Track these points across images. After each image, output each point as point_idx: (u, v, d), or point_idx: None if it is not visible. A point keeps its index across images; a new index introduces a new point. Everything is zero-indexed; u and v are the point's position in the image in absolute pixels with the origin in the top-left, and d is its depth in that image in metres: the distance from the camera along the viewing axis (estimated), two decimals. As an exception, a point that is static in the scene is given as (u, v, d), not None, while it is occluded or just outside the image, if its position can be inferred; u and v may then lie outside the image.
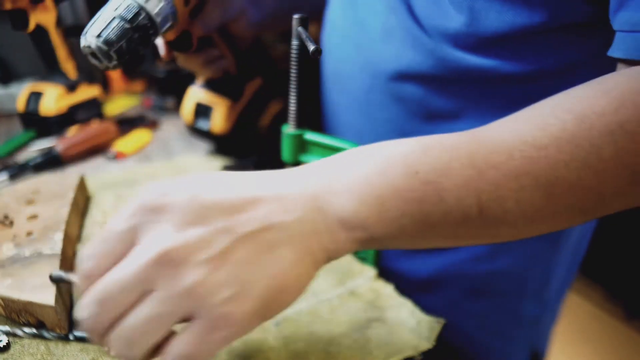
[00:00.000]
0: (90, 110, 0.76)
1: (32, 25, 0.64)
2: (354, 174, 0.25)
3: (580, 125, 0.24)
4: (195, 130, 0.63)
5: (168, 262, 0.21)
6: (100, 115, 0.79)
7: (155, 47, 0.55)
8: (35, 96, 0.69)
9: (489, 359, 0.56)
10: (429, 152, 0.25)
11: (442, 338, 0.34)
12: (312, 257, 0.24)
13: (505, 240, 0.28)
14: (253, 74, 0.64)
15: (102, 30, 0.35)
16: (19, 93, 0.73)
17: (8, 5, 0.61)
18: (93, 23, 0.36)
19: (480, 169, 0.24)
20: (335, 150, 0.40)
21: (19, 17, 0.64)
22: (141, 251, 0.22)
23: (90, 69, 0.95)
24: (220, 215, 0.22)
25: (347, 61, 0.51)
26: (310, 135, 0.41)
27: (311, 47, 0.32)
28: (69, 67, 0.72)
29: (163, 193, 0.23)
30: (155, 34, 0.38)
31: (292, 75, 0.38)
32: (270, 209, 0.23)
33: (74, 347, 0.31)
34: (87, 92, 0.75)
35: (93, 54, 0.37)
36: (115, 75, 1.02)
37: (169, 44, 0.50)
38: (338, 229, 0.25)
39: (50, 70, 0.71)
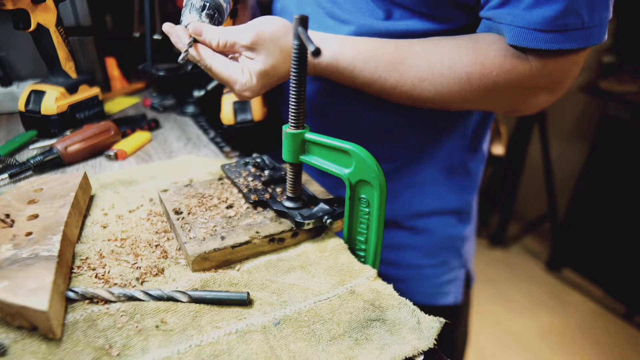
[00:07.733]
0: (90, 109, 0.76)
1: (33, 25, 0.65)
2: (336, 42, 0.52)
3: (449, 69, 0.50)
4: (236, 128, 0.71)
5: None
6: (100, 114, 0.79)
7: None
8: (36, 95, 0.69)
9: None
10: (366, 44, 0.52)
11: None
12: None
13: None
14: None
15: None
16: (20, 92, 0.73)
17: (9, 6, 0.61)
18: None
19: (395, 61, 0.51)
20: (335, 149, 0.40)
21: (21, 17, 0.64)
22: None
23: (90, 69, 0.95)
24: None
25: None
26: (310, 135, 0.41)
27: (311, 47, 0.32)
28: (69, 67, 0.72)
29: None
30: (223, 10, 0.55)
31: (292, 75, 0.38)
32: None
33: (75, 346, 0.31)
34: (88, 91, 0.76)
35: (206, 7, 0.51)
36: (116, 75, 1.02)
37: None
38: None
39: (50, 70, 0.71)
